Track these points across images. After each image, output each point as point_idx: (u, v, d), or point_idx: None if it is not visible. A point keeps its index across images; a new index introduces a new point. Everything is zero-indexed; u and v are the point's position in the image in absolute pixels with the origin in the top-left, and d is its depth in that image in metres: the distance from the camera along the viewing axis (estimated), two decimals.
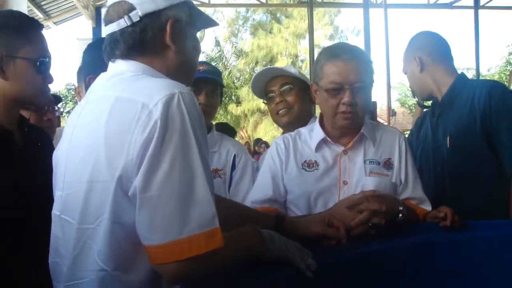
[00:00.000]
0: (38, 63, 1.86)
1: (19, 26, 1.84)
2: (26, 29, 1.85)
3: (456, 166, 2.55)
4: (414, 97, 2.93)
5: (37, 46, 1.87)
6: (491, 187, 2.51)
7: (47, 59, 1.90)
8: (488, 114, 2.46)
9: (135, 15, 1.44)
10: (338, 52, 2.14)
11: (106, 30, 1.51)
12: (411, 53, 2.72)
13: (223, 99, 2.90)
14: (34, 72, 1.86)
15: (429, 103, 2.89)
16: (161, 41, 1.48)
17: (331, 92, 2.10)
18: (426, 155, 2.71)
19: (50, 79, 1.94)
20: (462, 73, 2.77)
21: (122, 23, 1.45)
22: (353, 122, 2.13)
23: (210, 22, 1.71)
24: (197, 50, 1.61)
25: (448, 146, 2.57)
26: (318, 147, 2.21)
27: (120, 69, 1.49)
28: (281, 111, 2.74)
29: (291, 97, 2.74)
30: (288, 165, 2.22)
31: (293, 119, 2.68)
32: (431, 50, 2.69)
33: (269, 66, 2.92)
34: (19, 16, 1.88)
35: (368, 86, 2.13)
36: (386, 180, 2.09)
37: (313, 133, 2.26)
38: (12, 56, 1.82)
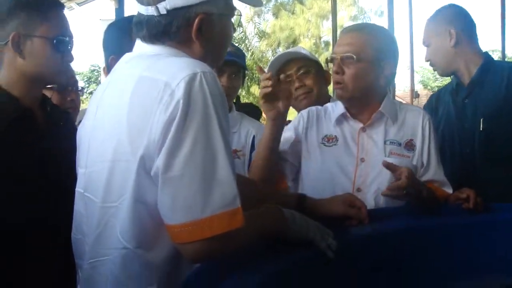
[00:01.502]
0: (55, 41, 1.86)
1: (36, 5, 1.84)
2: (44, 8, 1.85)
3: (489, 148, 2.53)
4: (434, 70, 2.87)
5: (55, 25, 1.87)
6: None
7: (67, 38, 1.90)
8: None
9: (163, 8, 1.42)
10: (347, 28, 2.26)
11: (137, 8, 1.50)
12: (444, 25, 2.65)
13: (245, 80, 2.87)
14: (52, 51, 1.86)
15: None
16: (186, 35, 1.46)
17: (331, 62, 2.16)
18: (450, 136, 2.68)
19: (70, 58, 1.94)
20: (488, 53, 2.73)
21: (150, 10, 1.44)
22: (343, 94, 2.12)
23: (253, 2, 1.68)
24: (229, 37, 1.59)
25: (481, 128, 2.54)
26: (338, 121, 2.21)
27: (145, 49, 1.49)
28: (301, 96, 2.70)
29: (310, 80, 2.70)
30: (307, 138, 2.23)
31: (313, 103, 2.61)
32: (465, 26, 2.65)
33: (281, 51, 2.85)
34: None
35: (363, 61, 2.09)
36: (406, 161, 2.07)
37: (336, 108, 2.26)
38: (29, 35, 1.83)
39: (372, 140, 2.16)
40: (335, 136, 2.19)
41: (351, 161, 2.14)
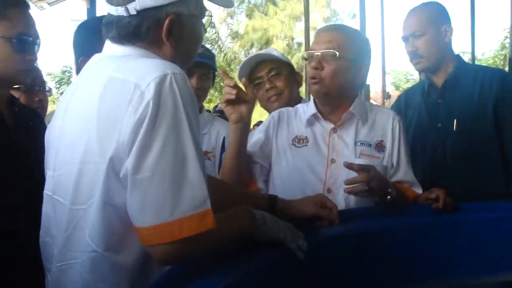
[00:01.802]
0: (15, 40, 1.83)
1: None
2: (3, 7, 1.83)
3: (462, 149, 2.57)
4: (416, 64, 2.76)
5: (15, 24, 1.84)
6: (495, 172, 2.55)
7: (30, 38, 1.87)
8: (501, 103, 2.53)
9: (133, 8, 1.40)
10: (325, 27, 2.30)
11: (107, 9, 1.48)
12: (440, 20, 2.66)
13: (217, 81, 2.87)
14: (11, 50, 1.84)
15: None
16: (156, 36, 1.45)
17: (307, 59, 2.16)
18: (421, 136, 2.70)
19: (33, 57, 1.91)
20: (460, 56, 2.78)
21: (120, 11, 1.42)
22: (320, 89, 2.12)
23: (224, 3, 1.67)
24: (199, 38, 1.58)
25: (454, 129, 2.57)
26: (309, 122, 2.22)
27: (114, 50, 1.47)
28: (272, 98, 2.69)
29: (281, 82, 2.70)
30: (278, 139, 2.24)
31: (284, 104, 2.60)
32: (451, 25, 2.68)
33: (254, 52, 2.86)
34: None
35: (344, 58, 2.10)
36: (376, 162, 2.08)
37: (307, 108, 2.27)
38: None
39: (343, 141, 2.17)
40: (306, 137, 2.20)
41: (321, 162, 2.15)
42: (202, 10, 1.55)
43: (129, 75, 1.31)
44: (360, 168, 1.91)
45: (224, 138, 2.72)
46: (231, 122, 2.03)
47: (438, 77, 2.70)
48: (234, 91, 1.97)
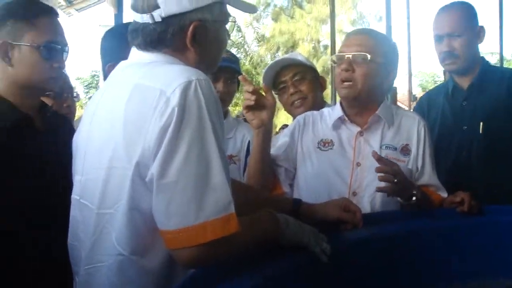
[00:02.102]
0: (43, 48, 1.87)
1: (23, 13, 1.86)
2: (31, 16, 1.86)
3: (488, 152, 2.55)
4: (448, 65, 2.71)
5: (42, 32, 1.87)
6: None
7: (58, 45, 1.91)
8: None
9: (158, 15, 1.43)
10: (355, 30, 2.30)
11: (132, 16, 1.51)
12: (475, 21, 2.65)
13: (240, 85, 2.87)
14: (39, 58, 1.87)
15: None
16: (180, 42, 1.47)
17: (337, 61, 2.18)
18: (445, 139, 2.68)
19: (61, 65, 1.95)
20: (484, 58, 2.75)
21: (145, 18, 1.45)
22: (351, 92, 2.13)
23: (248, 8, 1.68)
24: (223, 43, 1.60)
25: (480, 131, 2.56)
26: (335, 125, 2.23)
27: (140, 57, 1.50)
28: (296, 102, 2.70)
29: (305, 86, 2.70)
30: (303, 143, 2.25)
31: (308, 109, 2.59)
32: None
33: (280, 56, 2.86)
34: (25, 3, 1.90)
35: (375, 62, 2.11)
36: (402, 166, 2.07)
37: (333, 112, 2.27)
38: (17, 43, 1.84)
39: (369, 144, 2.17)
40: (331, 140, 2.20)
41: (347, 165, 2.15)
42: (226, 16, 1.57)
43: (154, 82, 1.34)
44: (383, 162, 1.92)
45: (249, 142, 2.71)
46: (253, 127, 2.05)
47: (464, 79, 2.68)
48: (253, 97, 1.99)
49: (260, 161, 2.09)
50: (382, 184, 1.92)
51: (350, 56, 2.11)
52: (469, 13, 2.65)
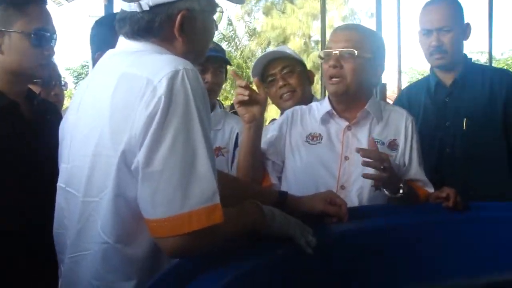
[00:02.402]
0: (33, 35, 1.87)
1: (14, 1, 1.85)
2: (22, 3, 1.86)
3: (471, 148, 2.57)
4: (437, 60, 2.69)
5: (33, 19, 1.88)
6: (503, 171, 2.56)
7: (48, 33, 1.91)
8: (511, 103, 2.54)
9: (145, 4, 1.42)
10: (341, 26, 2.30)
11: (120, 5, 1.50)
12: (463, 17, 2.66)
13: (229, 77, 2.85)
14: (29, 45, 1.87)
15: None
16: (168, 31, 1.47)
17: (324, 58, 2.18)
18: (428, 135, 2.66)
19: (51, 52, 1.95)
20: (466, 55, 2.77)
21: (133, 7, 1.44)
22: (339, 88, 2.13)
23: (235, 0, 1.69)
24: (211, 34, 1.60)
25: (464, 128, 2.57)
26: (324, 119, 2.23)
27: (128, 45, 1.50)
28: (285, 95, 2.71)
29: (294, 79, 2.71)
30: (291, 136, 2.25)
31: (297, 102, 2.61)
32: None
33: (268, 50, 2.85)
34: None
35: (362, 57, 2.11)
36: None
37: (321, 106, 2.28)
38: (7, 30, 1.84)
39: (357, 138, 2.18)
40: (320, 134, 2.21)
41: (335, 159, 2.16)
42: (214, 6, 1.57)
43: (141, 71, 1.34)
44: (369, 152, 1.94)
45: (237, 134, 2.71)
46: (244, 122, 2.05)
47: (448, 75, 2.69)
48: (246, 92, 1.99)
49: (251, 155, 2.09)
50: (370, 171, 1.93)
51: (337, 52, 2.11)
52: (457, 9, 2.66)
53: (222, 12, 1.62)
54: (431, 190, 2.15)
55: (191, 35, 1.50)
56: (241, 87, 2.00)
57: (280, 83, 2.71)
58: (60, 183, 1.53)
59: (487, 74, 2.69)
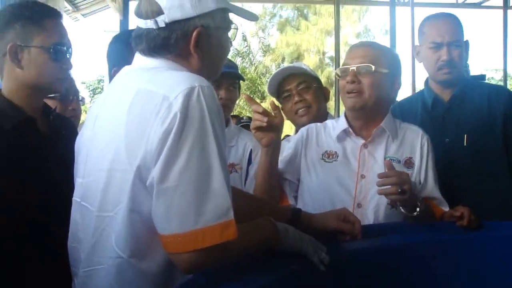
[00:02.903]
0: (52, 50, 1.89)
1: (31, 16, 1.87)
2: (39, 18, 1.89)
3: (472, 165, 2.54)
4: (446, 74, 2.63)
5: (51, 34, 1.90)
6: (505, 187, 2.54)
7: (64, 47, 1.93)
8: (510, 119, 2.53)
9: (162, 21, 1.45)
10: (357, 43, 2.34)
11: (136, 22, 1.53)
12: (462, 33, 2.64)
13: (251, 94, 2.87)
14: (49, 60, 1.89)
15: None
16: (184, 48, 1.49)
17: (341, 74, 2.20)
18: None
19: (68, 66, 1.97)
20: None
21: (149, 24, 1.47)
22: (357, 102, 2.14)
23: (250, 16, 1.70)
24: (226, 50, 1.62)
25: (464, 144, 2.54)
26: (340, 137, 2.23)
27: (144, 62, 1.51)
28: (300, 110, 2.70)
29: (309, 95, 2.71)
30: (307, 155, 2.26)
31: (312, 119, 2.62)
32: None
33: (283, 66, 2.85)
34: (31, 5, 1.91)
35: (379, 72, 2.13)
36: None
37: (337, 124, 2.28)
38: (26, 45, 1.86)
39: (373, 156, 2.18)
40: (336, 152, 2.21)
41: (351, 177, 2.16)
42: (228, 23, 1.58)
43: (157, 87, 1.35)
44: (393, 171, 1.93)
45: (251, 150, 2.71)
46: (262, 146, 2.06)
47: (445, 91, 2.66)
48: (265, 119, 1.99)
49: (269, 176, 2.10)
50: (385, 199, 1.96)
51: (355, 68, 2.13)
52: (461, 26, 2.65)
53: (237, 29, 1.63)
54: (445, 208, 2.14)
55: (206, 51, 1.51)
56: (259, 113, 2.00)
57: (296, 98, 2.70)
58: (75, 198, 1.55)
59: (484, 90, 2.67)
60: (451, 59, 2.57)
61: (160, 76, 1.42)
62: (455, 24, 2.62)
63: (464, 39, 2.63)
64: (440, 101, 2.67)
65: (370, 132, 2.20)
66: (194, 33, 1.46)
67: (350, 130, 2.22)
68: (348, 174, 2.17)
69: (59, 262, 1.64)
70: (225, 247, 1.26)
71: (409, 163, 2.18)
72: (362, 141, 2.21)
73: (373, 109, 2.17)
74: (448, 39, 2.57)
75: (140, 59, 1.53)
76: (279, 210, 1.90)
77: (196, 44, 1.48)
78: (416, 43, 2.80)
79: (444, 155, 2.56)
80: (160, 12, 1.45)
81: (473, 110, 2.59)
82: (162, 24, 1.45)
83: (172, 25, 1.45)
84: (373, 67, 2.11)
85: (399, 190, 1.88)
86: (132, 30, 1.60)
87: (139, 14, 1.50)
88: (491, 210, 2.25)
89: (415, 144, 2.22)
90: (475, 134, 2.55)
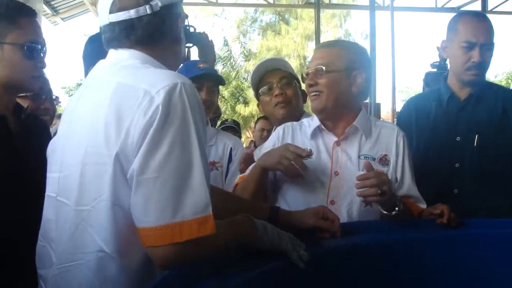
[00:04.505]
0: (26, 47, 1.88)
1: (6, 13, 1.86)
2: (14, 15, 1.88)
3: (481, 165, 2.53)
4: (473, 75, 2.58)
5: (26, 31, 1.89)
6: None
7: (39, 45, 1.92)
8: None
9: (156, 5, 1.48)
10: (320, 44, 2.44)
11: (117, 17, 1.50)
12: (494, 37, 2.61)
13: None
14: (22, 57, 1.88)
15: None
16: (174, 33, 1.53)
17: (304, 76, 2.25)
18: (437, 148, 2.64)
19: (42, 64, 1.96)
20: None
21: (142, 11, 1.48)
22: (318, 103, 2.18)
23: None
24: (179, 38, 1.63)
25: (474, 144, 2.54)
26: (314, 135, 2.26)
27: (122, 57, 1.52)
28: (280, 104, 2.73)
29: (290, 91, 2.75)
30: None
31: (290, 113, 2.69)
32: None
33: (269, 57, 2.91)
34: (6, 2, 1.90)
35: (333, 71, 2.15)
36: None
37: (312, 122, 2.30)
38: (0, 42, 1.85)
39: (347, 154, 2.18)
40: (310, 149, 2.21)
41: (325, 174, 2.16)
42: (176, 10, 1.58)
43: (138, 82, 1.36)
44: (372, 172, 1.92)
45: (231, 148, 2.81)
46: (283, 173, 2.15)
47: (464, 90, 2.65)
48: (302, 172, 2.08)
49: (260, 184, 2.16)
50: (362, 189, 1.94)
51: (311, 71, 2.18)
52: (493, 29, 2.60)
53: (187, 18, 1.68)
54: (423, 206, 2.15)
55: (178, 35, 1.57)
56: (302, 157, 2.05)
57: (277, 91, 2.74)
58: (49, 193, 1.53)
59: (500, 92, 2.67)
60: (482, 61, 2.54)
61: (140, 72, 1.43)
62: (489, 26, 2.58)
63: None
64: (456, 98, 2.66)
65: (343, 130, 2.21)
66: (180, 17, 1.52)
67: (323, 127, 2.24)
68: (322, 171, 2.18)
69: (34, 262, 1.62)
70: (203, 242, 1.26)
71: (384, 160, 2.18)
72: (334, 138, 2.22)
73: (336, 108, 2.19)
74: (483, 40, 2.53)
75: (117, 53, 1.54)
76: (257, 207, 1.89)
77: (145, 32, 1.50)
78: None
79: (453, 153, 2.57)
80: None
81: (487, 111, 2.58)
82: (156, 8, 1.49)
83: (164, 9, 1.50)
84: (324, 68, 2.14)
85: (379, 192, 1.89)
86: None
87: (123, 5, 1.49)
88: (499, 211, 2.27)
89: (390, 142, 2.22)
90: (486, 134, 2.54)
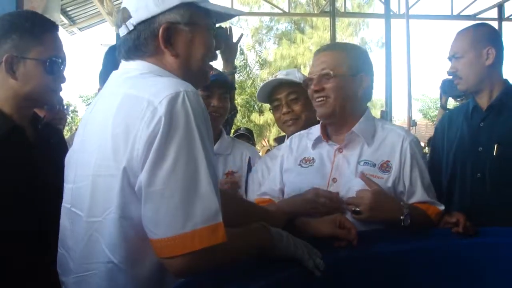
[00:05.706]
0: (48, 63, 1.89)
1: (30, 27, 1.87)
2: (38, 31, 1.88)
3: (500, 174, 2.50)
4: (456, 84, 2.71)
5: (48, 47, 1.90)
6: None
7: (59, 60, 1.93)
8: None
9: (130, 24, 1.49)
10: (320, 48, 2.33)
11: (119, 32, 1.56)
12: (483, 41, 2.60)
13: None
14: (44, 72, 1.89)
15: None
16: (154, 46, 1.50)
17: (308, 84, 2.22)
18: (462, 159, 2.64)
19: (62, 79, 1.97)
20: (508, 80, 2.70)
21: (123, 30, 1.51)
22: (326, 108, 2.16)
23: (222, 16, 1.68)
24: (205, 47, 1.57)
25: (494, 153, 2.51)
26: (315, 144, 2.25)
27: (129, 67, 1.53)
28: (288, 121, 2.71)
29: (298, 106, 2.70)
30: (287, 162, 2.30)
31: (299, 128, 2.62)
32: (500, 49, 2.63)
33: (273, 77, 2.86)
34: (31, 17, 1.91)
35: (340, 75, 2.13)
36: (380, 182, 2.04)
37: (315, 131, 2.30)
38: (23, 57, 1.86)
39: (347, 160, 2.15)
40: (313, 158, 2.22)
41: (323, 182, 2.14)
42: (203, 19, 1.57)
43: (143, 92, 1.36)
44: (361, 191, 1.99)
45: (249, 158, 2.79)
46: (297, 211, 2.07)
47: (483, 100, 2.64)
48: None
49: None
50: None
51: (316, 76, 2.16)
52: (477, 35, 2.63)
53: (214, 28, 1.62)
54: (441, 207, 2.11)
55: (180, 49, 1.52)
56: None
57: (285, 109, 2.71)
58: (65, 204, 1.54)
59: None
60: (454, 71, 2.67)
61: (146, 82, 1.43)
62: (463, 36, 2.69)
63: (486, 48, 2.63)
64: (479, 110, 2.66)
65: (343, 136, 2.19)
66: (161, 30, 1.48)
67: (322, 137, 2.23)
68: (321, 178, 2.16)
69: (54, 271, 1.63)
70: (215, 251, 1.26)
71: (385, 167, 2.11)
72: (336, 146, 2.20)
73: (344, 112, 2.17)
74: (451, 52, 2.69)
75: (122, 65, 1.56)
76: (273, 215, 1.89)
77: (166, 41, 1.49)
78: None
79: (476, 164, 2.55)
80: (129, 16, 1.49)
81: (508, 120, 2.56)
82: (131, 27, 1.49)
83: (139, 26, 1.49)
84: (331, 72, 2.12)
85: (353, 209, 1.93)
86: None
87: (117, 23, 1.55)
88: None
89: (394, 148, 2.14)
90: (506, 144, 2.51)
